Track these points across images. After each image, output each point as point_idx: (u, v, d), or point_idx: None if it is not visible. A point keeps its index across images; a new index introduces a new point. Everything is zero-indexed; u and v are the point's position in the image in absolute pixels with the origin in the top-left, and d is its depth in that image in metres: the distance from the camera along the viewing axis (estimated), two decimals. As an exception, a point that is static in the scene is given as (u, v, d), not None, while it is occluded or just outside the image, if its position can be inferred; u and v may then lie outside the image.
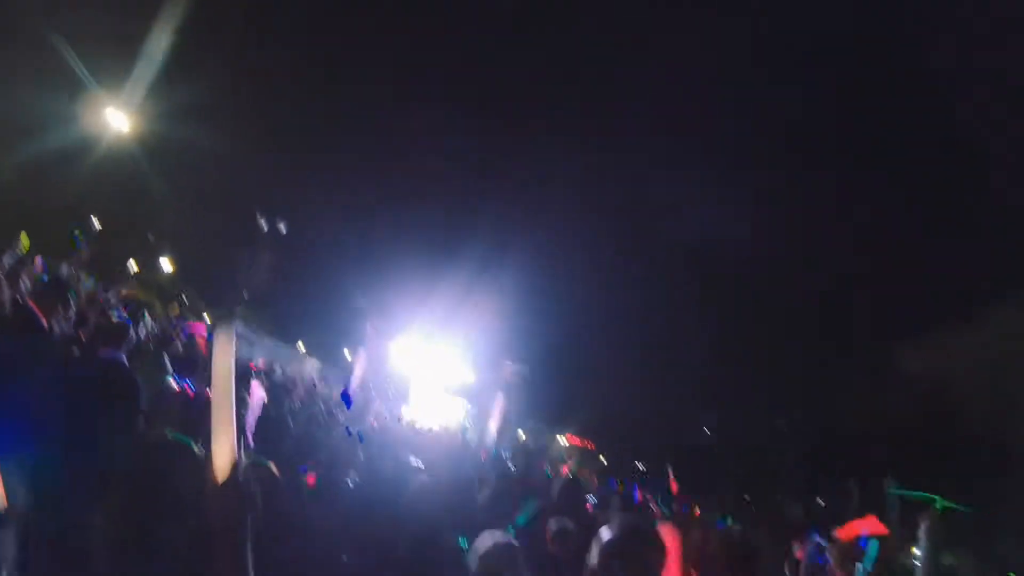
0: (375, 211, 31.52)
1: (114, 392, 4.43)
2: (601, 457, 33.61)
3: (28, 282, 6.66)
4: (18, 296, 5.50)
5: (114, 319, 6.19)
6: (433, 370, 23.67)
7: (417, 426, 15.17)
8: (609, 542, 2.59)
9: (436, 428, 14.89)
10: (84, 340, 5.89)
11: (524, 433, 31.03)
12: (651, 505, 9.49)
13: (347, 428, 6.62)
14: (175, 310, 23.07)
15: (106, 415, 4.10)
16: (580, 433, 36.45)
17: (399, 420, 16.67)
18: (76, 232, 13.22)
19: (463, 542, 3.52)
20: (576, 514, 5.54)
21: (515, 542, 3.34)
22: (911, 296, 25.94)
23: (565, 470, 9.98)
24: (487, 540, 3.28)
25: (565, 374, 33.09)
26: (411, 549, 3.87)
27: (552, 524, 5.14)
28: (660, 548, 2.67)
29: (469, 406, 24.53)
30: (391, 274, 26.50)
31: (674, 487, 9.08)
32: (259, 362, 14.08)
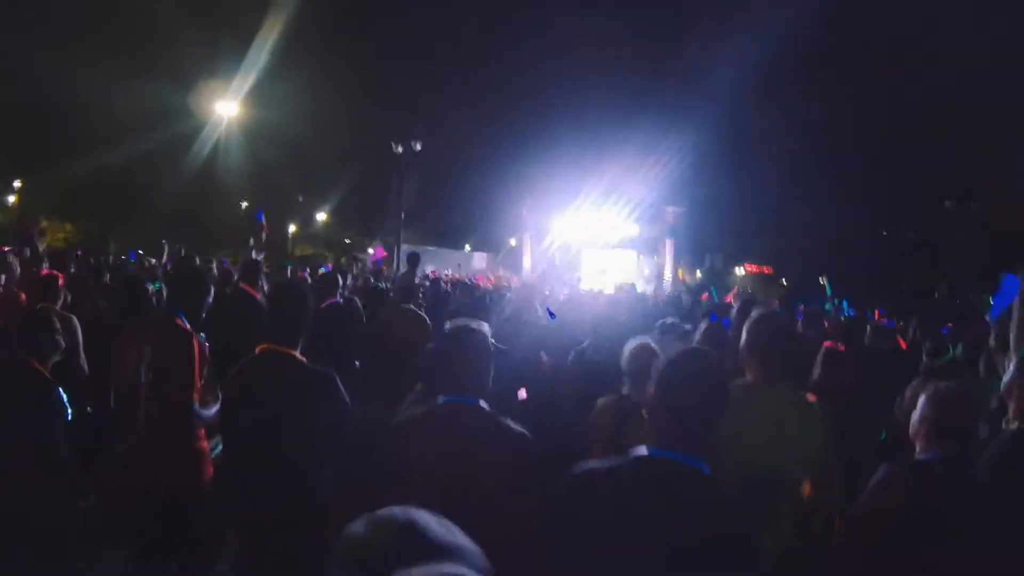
0: (518, 96, 31.52)
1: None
2: (783, 281, 33.26)
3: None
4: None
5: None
6: (600, 230, 23.99)
7: (593, 288, 15.79)
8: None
9: (610, 287, 15.44)
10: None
11: (700, 272, 31.09)
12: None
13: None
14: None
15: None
16: (758, 262, 36.10)
17: (575, 285, 17.27)
18: (257, 210, 14.68)
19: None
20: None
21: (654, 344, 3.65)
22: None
23: (729, 298, 10.36)
24: (631, 343, 3.79)
25: (735, 207, 32.58)
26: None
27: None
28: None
29: (640, 257, 24.89)
30: (542, 150, 26.77)
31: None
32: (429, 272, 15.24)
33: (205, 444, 3.63)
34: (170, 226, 21.24)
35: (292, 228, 33.01)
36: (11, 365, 3.81)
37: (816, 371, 4.49)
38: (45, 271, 5.99)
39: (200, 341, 3.70)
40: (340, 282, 7.12)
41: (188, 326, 3.69)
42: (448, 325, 2.78)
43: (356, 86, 30.02)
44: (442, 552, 0.89)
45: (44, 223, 22.36)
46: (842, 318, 9.18)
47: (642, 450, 2.05)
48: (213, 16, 25.89)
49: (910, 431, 2.85)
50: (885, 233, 36.02)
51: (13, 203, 26.53)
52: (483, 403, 2.62)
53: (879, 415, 4.21)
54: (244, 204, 30.39)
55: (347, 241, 34.92)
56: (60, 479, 3.80)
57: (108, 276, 8.38)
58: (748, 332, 3.17)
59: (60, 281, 5.33)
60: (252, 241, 12.09)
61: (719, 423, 2.11)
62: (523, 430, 2.58)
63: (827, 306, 10.08)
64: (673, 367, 2.13)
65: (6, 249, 6.37)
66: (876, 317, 10.72)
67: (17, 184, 26.38)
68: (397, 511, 0.95)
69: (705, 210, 28.70)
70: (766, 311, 3.41)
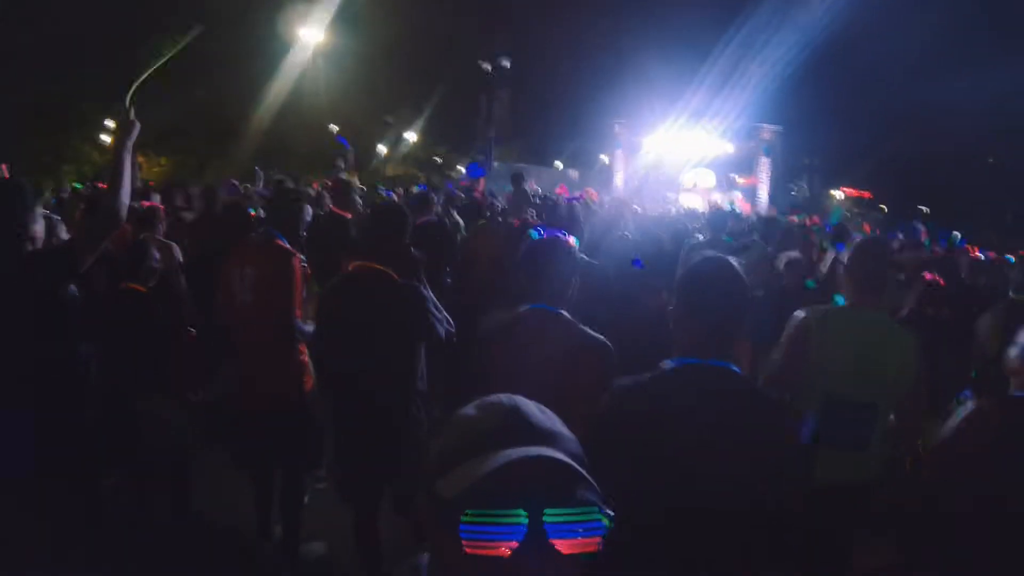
0: (614, 15, 30.54)
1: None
2: (882, 206, 31.91)
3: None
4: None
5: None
6: (692, 148, 23.46)
7: (685, 207, 15.52)
8: None
9: (701, 206, 15.16)
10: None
11: (796, 190, 30.09)
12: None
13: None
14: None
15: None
16: (856, 184, 34.59)
17: (667, 202, 17.01)
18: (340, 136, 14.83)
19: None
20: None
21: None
22: None
23: (816, 219, 9.97)
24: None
25: (834, 128, 31.17)
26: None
27: (783, 257, 5.85)
28: None
29: (733, 176, 24.21)
30: (635, 65, 26.04)
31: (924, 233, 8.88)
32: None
33: (306, 358, 3.80)
34: (262, 154, 21.77)
35: (383, 149, 33.28)
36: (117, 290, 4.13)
37: (911, 300, 4.39)
38: (146, 203, 6.33)
39: (300, 259, 3.83)
40: (434, 200, 7.29)
41: (288, 246, 3.82)
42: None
43: (443, 2, 29.64)
44: (542, 436, 0.95)
45: (140, 159, 23.36)
46: (940, 249, 8.82)
47: (670, 362, 2.04)
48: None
49: (1006, 366, 2.75)
50: (991, 160, 33.78)
51: (109, 143, 27.53)
52: (565, 313, 2.68)
53: (970, 351, 4.09)
54: (334, 128, 30.79)
55: (438, 160, 35.08)
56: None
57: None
58: (849, 256, 3.20)
59: (160, 213, 5.74)
60: (341, 162, 12.29)
61: (741, 331, 2.10)
62: (603, 339, 2.63)
63: (926, 239, 9.64)
64: (697, 274, 2.13)
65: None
66: (973, 251, 10.21)
67: (111, 124, 27.37)
68: (504, 397, 1.01)
69: (802, 129, 27.55)
70: (869, 237, 3.37)
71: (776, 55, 23.31)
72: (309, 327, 3.74)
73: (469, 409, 1.01)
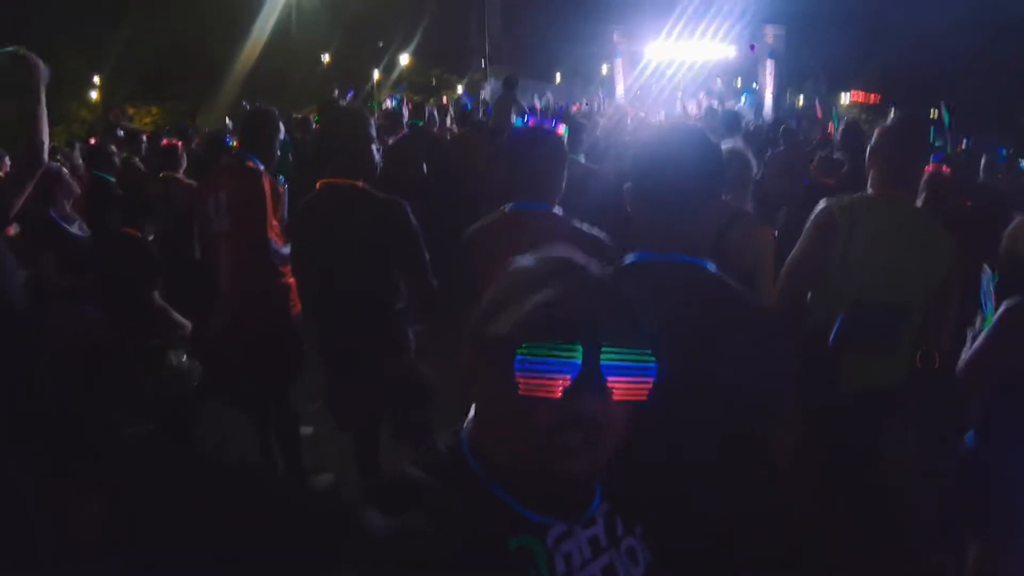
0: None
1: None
2: (892, 111, 31.12)
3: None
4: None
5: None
6: (693, 54, 22.82)
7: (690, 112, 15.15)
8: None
9: (704, 109, 14.73)
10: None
11: (803, 96, 29.48)
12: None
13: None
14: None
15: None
16: (866, 87, 33.76)
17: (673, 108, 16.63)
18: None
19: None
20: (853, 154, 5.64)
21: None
22: None
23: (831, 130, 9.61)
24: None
25: (841, 27, 30.24)
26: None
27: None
28: None
29: (738, 81, 23.56)
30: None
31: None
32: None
33: (290, 280, 3.61)
34: (252, 91, 21.33)
35: (376, 75, 32.62)
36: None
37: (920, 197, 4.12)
38: (166, 141, 6.31)
39: (272, 179, 3.64)
40: (404, 115, 7.18)
41: (260, 166, 3.60)
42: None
43: None
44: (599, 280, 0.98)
45: (130, 110, 22.90)
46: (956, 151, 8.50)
47: (630, 257, 1.64)
48: None
49: None
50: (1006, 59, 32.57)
51: (95, 99, 26.85)
52: (557, 209, 2.46)
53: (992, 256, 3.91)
54: (325, 58, 30.08)
55: (433, 83, 34.45)
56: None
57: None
58: (874, 139, 2.84)
59: (179, 150, 5.72)
60: (336, 92, 12.00)
61: (713, 218, 1.68)
62: (599, 234, 2.41)
63: (939, 142, 9.27)
64: (652, 148, 1.69)
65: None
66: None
67: (96, 80, 26.66)
68: (555, 249, 1.02)
69: (807, 30, 26.67)
70: (895, 120, 2.95)
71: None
72: (286, 250, 3.53)
73: (522, 260, 1.00)
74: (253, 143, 3.69)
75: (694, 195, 1.60)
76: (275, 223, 3.59)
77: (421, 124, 7.11)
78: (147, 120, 25.90)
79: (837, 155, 6.19)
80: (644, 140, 1.79)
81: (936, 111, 11.18)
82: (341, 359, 3.21)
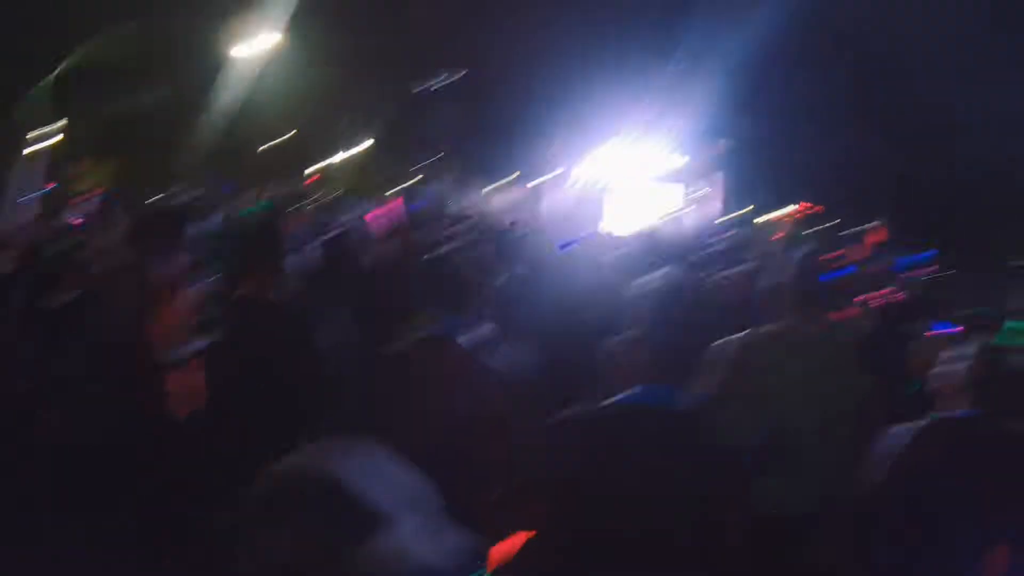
0: (564, 25, 30.72)
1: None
2: (835, 221, 32.36)
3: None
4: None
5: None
6: (642, 163, 23.42)
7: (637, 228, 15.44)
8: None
9: (652, 225, 15.12)
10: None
11: (749, 207, 30.36)
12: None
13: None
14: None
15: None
16: (808, 198, 35.02)
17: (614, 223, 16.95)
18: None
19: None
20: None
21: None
22: None
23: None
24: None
25: (787, 142, 31.61)
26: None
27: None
28: None
29: (686, 191, 24.21)
30: (585, 79, 26.05)
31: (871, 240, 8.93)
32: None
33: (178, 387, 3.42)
34: (211, 159, 21.31)
35: (329, 161, 33.04)
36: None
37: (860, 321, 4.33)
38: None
39: (167, 276, 3.42)
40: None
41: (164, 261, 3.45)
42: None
43: (394, 17, 29.53)
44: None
45: (83, 167, 22.64)
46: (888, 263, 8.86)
47: (634, 390, 1.91)
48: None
49: (939, 385, 2.70)
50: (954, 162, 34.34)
51: (54, 145, 26.61)
52: (470, 333, 2.53)
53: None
54: (282, 136, 30.40)
55: (385, 175, 34.91)
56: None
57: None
58: (795, 272, 3.05)
59: None
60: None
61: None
62: (503, 370, 2.48)
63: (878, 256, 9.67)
64: (659, 302, 2.04)
65: None
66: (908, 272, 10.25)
67: (57, 126, 26.52)
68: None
69: (755, 143, 27.85)
70: (807, 249, 3.30)
71: (727, 68, 23.47)
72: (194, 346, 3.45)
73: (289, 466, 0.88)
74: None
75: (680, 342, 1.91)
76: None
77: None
78: (101, 177, 25.55)
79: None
80: (653, 293, 2.07)
81: (874, 223, 11.71)
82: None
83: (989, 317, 4.55)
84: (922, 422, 2.55)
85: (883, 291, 5.13)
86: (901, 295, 6.14)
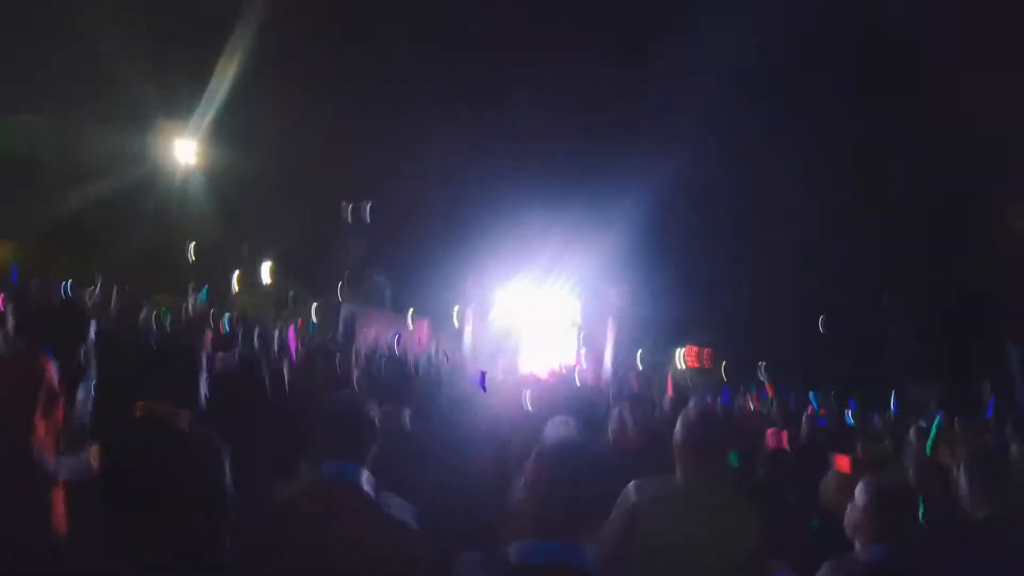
0: (467, 171, 32.11)
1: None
2: (723, 366, 33.58)
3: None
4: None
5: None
6: (543, 310, 23.94)
7: (535, 371, 15.59)
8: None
9: (553, 370, 15.31)
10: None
11: (642, 354, 31.14)
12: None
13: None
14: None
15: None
16: (699, 344, 36.36)
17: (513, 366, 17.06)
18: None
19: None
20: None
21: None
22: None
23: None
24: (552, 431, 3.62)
25: (678, 290, 33.10)
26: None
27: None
28: None
29: (582, 336, 24.77)
30: (489, 228, 26.96)
31: (769, 390, 9.36)
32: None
33: (58, 495, 3.17)
34: (124, 271, 20.79)
35: (235, 276, 32.41)
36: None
37: (759, 469, 4.36)
38: None
39: (50, 376, 3.27)
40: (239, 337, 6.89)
41: (48, 361, 3.28)
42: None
43: (308, 142, 30.17)
44: None
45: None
46: (782, 405, 9.12)
47: (526, 545, 1.85)
48: (164, 65, 25.91)
49: (846, 524, 2.71)
50: (821, 317, 36.68)
51: None
52: (366, 479, 2.42)
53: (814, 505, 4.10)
54: (192, 249, 29.89)
55: (291, 295, 34.46)
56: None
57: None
58: (682, 427, 3.04)
59: None
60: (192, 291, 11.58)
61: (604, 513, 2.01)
62: (407, 520, 2.39)
63: (765, 394, 9.99)
64: (555, 456, 1.99)
65: None
66: (810, 410, 10.68)
67: None
68: None
69: (648, 292, 29.04)
70: (702, 407, 3.39)
71: (623, 218, 24.72)
72: (67, 464, 3.13)
73: None
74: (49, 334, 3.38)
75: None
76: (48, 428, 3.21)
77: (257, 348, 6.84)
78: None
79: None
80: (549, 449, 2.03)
81: (763, 366, 12.12)
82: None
83: (880, 451, 4.70)
84: (832, 565, 2.56)
85: (782, 431, 5.22)
86: (798, 434, 6.28)
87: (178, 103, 24.52)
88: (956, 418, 6.18)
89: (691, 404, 3.35)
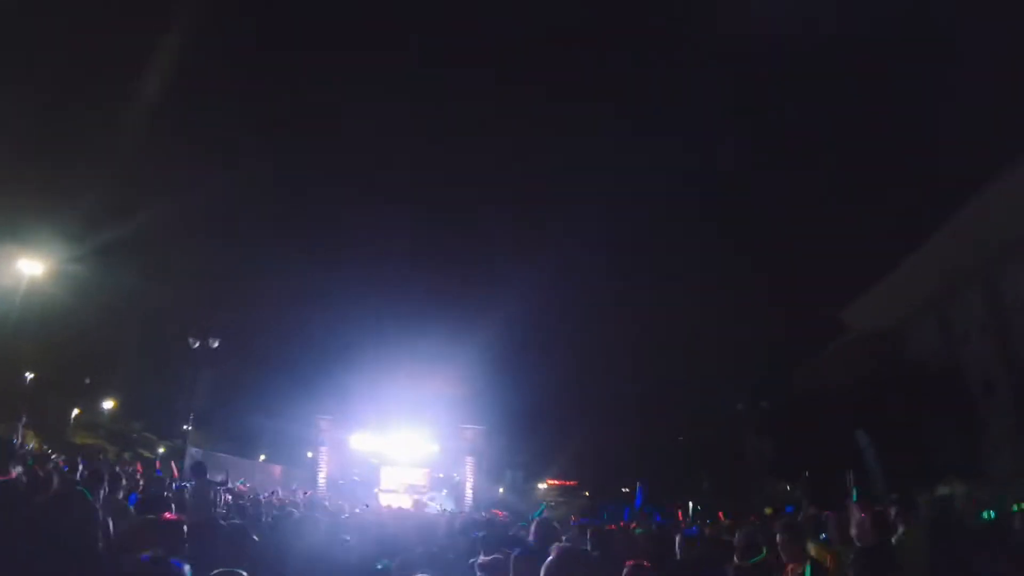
0: (320, 309, 31.56)
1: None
2: (586, 493, 33.43)
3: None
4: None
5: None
6: (398, 448, 23.40)
7: (392, 506, 14.91)
8: None
9: (409, 505, 14.66)
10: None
11: (502, 488, 30.67)
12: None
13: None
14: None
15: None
16: (560, 475, 36.21)
17: (372, 502, 16.36)
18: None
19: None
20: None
21: None
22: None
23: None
24: None
25: (534, 424, 33.15)
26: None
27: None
28: None
29: (440, 474, 24.20)
30: (344, 369, 26.37)
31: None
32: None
33: None
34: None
35: (75, 412, 29.32)
36: None
37: None
38: None
39: None
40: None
41: None
42: None
43: (153, 273, 28.62)
44: None
45: None
46: (652, 527, 8.88)
47: None
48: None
49: None
50: (681, 438, 37.70)
51: None
52: None
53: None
54: (29, 376, 26.98)
55: (133, 435, 31.61)
56: None
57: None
58: (547, 565, 3.03)
59: None
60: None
61: None
62: None
63: (633, 514, 9.75)
64: None
65: None
66: (680, 516, 10.53)
67: None
68: None
69: (504, 428, 29.01)
70: (563, 547, 3.32)
71: (478, 361, 24.91)
72: None
73: None
74: None
75: None
76: None
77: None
78: None
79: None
80: None
81: (628, 489, 12.10)
82: None
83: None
84: None
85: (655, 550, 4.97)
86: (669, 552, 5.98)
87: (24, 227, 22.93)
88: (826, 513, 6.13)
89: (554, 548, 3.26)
